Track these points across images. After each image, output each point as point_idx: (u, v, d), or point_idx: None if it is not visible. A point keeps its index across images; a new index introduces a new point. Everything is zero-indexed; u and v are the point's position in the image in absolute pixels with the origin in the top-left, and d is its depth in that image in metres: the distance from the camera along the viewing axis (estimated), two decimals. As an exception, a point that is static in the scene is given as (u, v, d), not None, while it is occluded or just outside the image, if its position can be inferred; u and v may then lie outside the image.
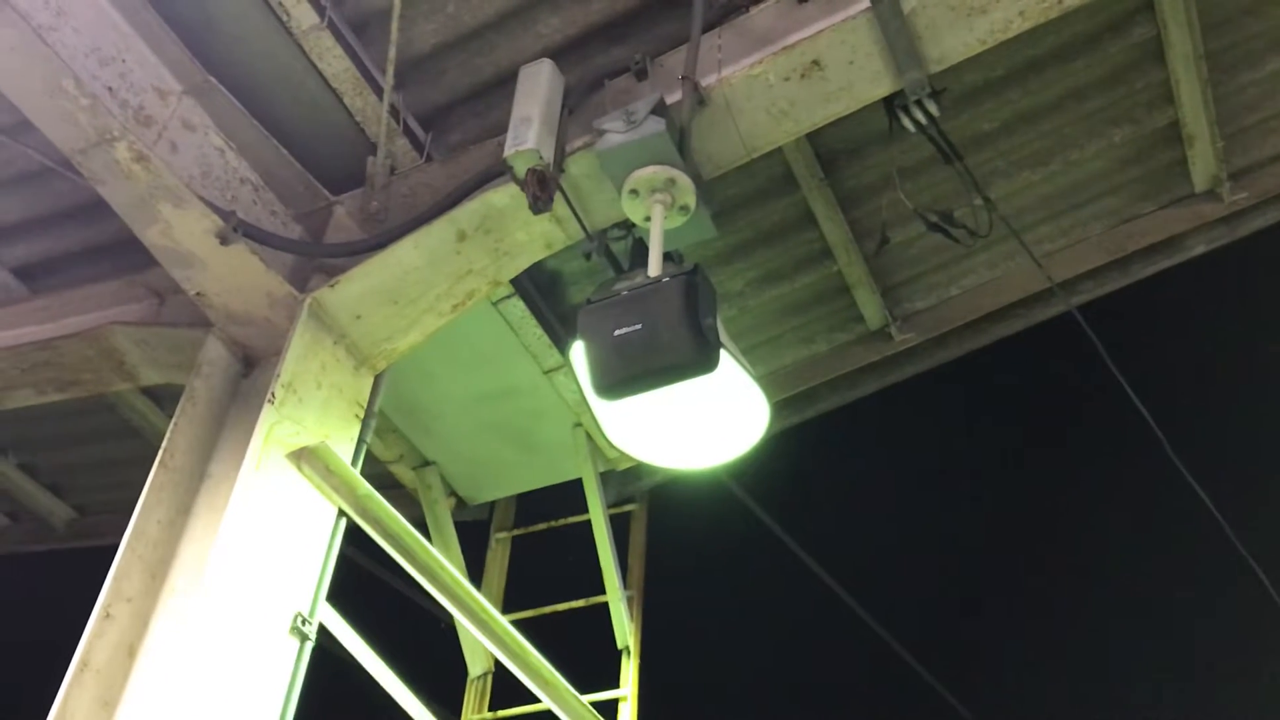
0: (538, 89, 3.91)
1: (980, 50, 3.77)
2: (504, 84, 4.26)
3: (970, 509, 10.18)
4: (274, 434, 3.77)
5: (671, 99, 3.79)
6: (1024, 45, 4.77)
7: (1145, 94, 5.09)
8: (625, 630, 5.70)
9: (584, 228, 4.00)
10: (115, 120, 3.74)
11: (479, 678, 5.92)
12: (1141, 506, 9.40)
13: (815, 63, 3.76)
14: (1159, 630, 9.74)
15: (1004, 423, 10.00)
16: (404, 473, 5.99)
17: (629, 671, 5.63)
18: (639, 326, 3.46)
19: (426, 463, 5.97)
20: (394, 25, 4.06)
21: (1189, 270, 5.62)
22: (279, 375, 3.86)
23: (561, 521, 6.23)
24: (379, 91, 4.22)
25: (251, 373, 4.14)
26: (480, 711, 5.82)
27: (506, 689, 5.28)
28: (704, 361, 3.45)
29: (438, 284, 4.17)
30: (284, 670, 3.53)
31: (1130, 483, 9.25)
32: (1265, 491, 8.52)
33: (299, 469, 3.81)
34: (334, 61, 4.16)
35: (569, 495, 6.03)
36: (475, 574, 6.10)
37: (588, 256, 4.05)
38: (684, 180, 3.73)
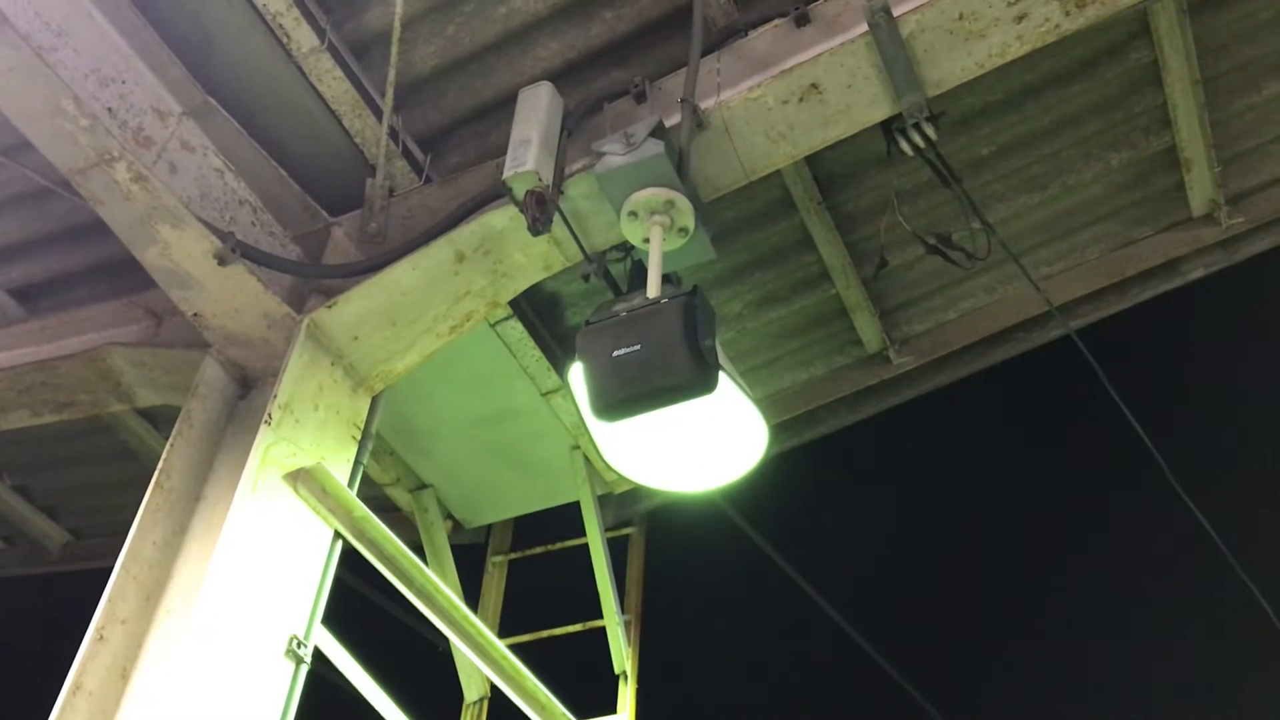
0: (537, 111, 3.92)
1: (978, 74, 3.79)
2: (503, 106, 4.27)
3: (968, 533, 10.15)
4: (270, 455, 3.75)
5: (670, 122, 3.80)
6: (1022, 70, 4.79)
7: (1143, 119, 5.11)
8: (623, 655, 5.66)
9: (583, 249, 4.00)
10: (115, 141, 3.74)
11: (475, 703, 5.87)
12: (1140, 529, 9.39)
13: (813, 86, 3.77)
14: (1158, 654, 9.70)
15: (1001, 447, 9.99)
16: (400, 495, 5.96)
17: (626, 696, 5.59)
18: (638, 348, 3.45)
19: (423, 485, 5.95)
20: (394, 48, 4.07)
21: (1187, 294, 5.63)
22: (276, 396, 3.85)
23: (559, 545, 6.20)
24: (378, 113, 4.24)
25: (248, 394, 4.12)
26: (476, 737, 5.77)
27: (502, 714, 5.23)
28: (703, 383, 3.44)
29: (436, 305, 4.16)
30: (279, 694, 3.50)
31: (1128, 506, 9.24)
32: (1264, 515, 8.50)
33: (295, 490, 3.79)
34: (333, 83, 4.17)
35: (566, 518, 6.00)
36: (472, 598, 6.06)
37: (586, 278, 4.03)
38: (683, 202, 3.73)
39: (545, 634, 5.94)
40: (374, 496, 5.79)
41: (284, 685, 3.53)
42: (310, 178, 4.43)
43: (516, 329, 5.18)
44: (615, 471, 5.03)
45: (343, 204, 4.45)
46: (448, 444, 5.73)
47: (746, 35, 3.98)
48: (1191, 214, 5.43)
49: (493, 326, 5.13)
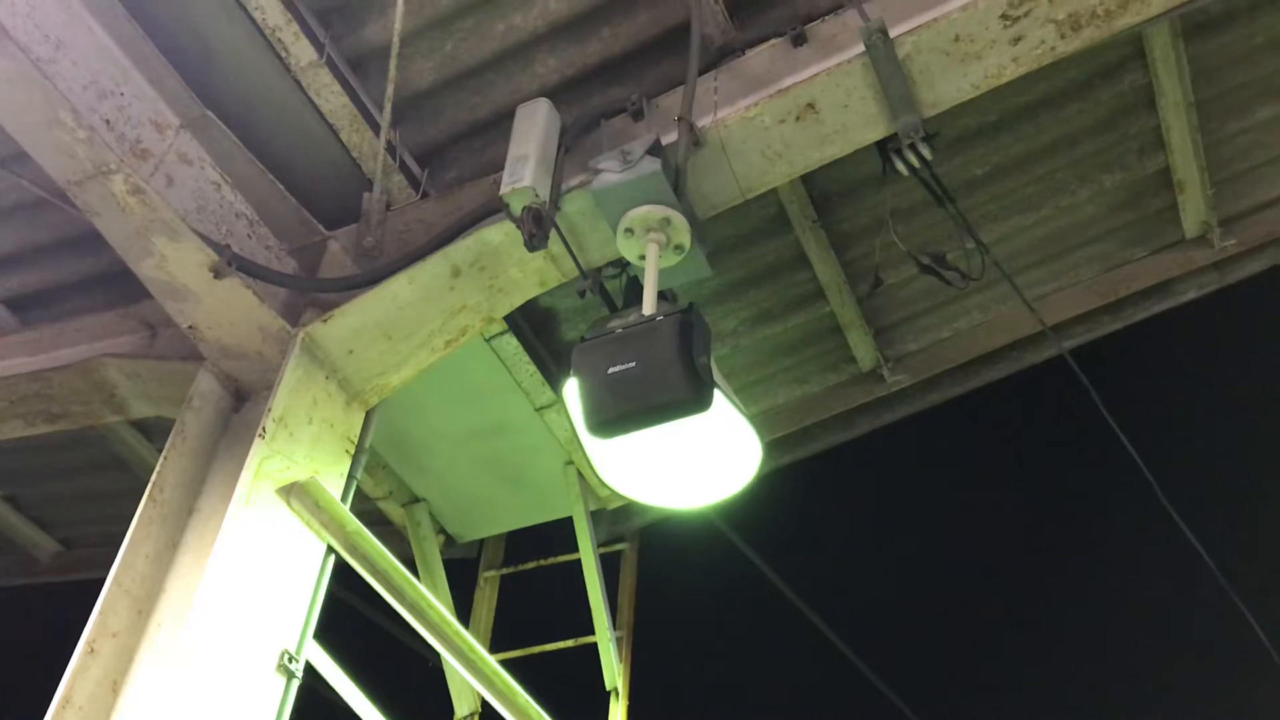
0: (534, 127, 3.92)
1: (974, 95, 3.80)
2: (501, 122, 4.28)
3: (962, 551, 10.15)
4: (264, 469, 3.74)
5: (667, 139, 3.81)
6: (1017, 91, 4.82)
7: (1136, 140, 5.15)
8: (614, 671, 5.65)
9: (579, 266, 4.00)
10: (112, 153, 3.73)
11: (465, 718, 5.85)
12: (1131, 548, 9.40)
13: (810, 106, 3.79)
14: (1151, 673, 9.70)
15: (994, 465, 10.00)
16: (393, 509, 5.95)
17: (617, 713, 5.57)
18: (633, 364, 3.45)
19: (416, 499, 5.93)
20: (392, 63, 4.07)
21: (1180, 315, 5.65)
22: (270, 409, 3.84)
23: (551, 560, 6.19)
24: (376, 128, 4.24)
25: (242, 407, 4.11)
26: (466, 752, 5.75)
27: (493, 730, 5.22)
28: (698, 400, 3.44)
29: (431, 320, 4.16)
30: (269, 708, 3.48)
31: (1120, 525, 9.25)
32: (1255, 535, 8.52)
33: (288, 504, 3.78)
34: (331, 98, 4.18)
35: (559, 534, 5.99)
36: (463, 613, 6.05)
37: (582, 294, 4.04)
38: (679, 220, 3.74)
39: (537, 649, 5.93)
40: (366, 510, 5.78)
41: (275, 700, 3.51)
42: (307, 191, 4.43)
43: (511, 344, 5.18)
44: (608, 487, 5.02)
45: (339, 218, 4.44)
46: (441, 458, 5.73)
47: (744, 54, 3.99)
48: (1184, 235, 5.46)
49: (488, 341, 5.13)
